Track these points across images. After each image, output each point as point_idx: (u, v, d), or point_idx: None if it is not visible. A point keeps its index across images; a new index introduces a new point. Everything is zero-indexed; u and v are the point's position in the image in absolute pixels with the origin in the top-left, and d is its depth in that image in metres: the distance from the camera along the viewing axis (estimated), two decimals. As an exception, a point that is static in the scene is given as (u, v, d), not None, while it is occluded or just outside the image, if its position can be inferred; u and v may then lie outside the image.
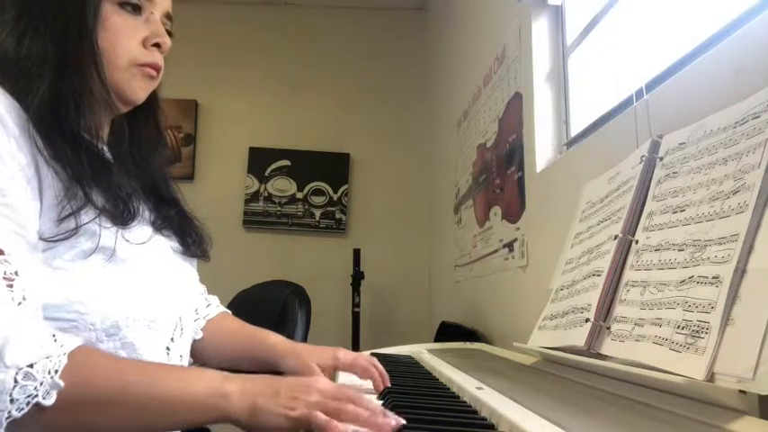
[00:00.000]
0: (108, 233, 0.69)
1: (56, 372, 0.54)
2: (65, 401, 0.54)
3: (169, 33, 0.83)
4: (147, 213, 0.80)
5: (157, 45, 0.79)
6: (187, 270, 0.86)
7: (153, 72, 0.79)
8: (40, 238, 0.65)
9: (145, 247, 0.74)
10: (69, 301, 0.66)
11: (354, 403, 0.59)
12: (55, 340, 0.57)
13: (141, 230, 0.75)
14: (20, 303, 0.58)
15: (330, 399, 0.59)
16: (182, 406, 0.59)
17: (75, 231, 0.66)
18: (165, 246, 0.81)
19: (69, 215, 0.66)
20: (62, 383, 0.54)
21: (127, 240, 0.71)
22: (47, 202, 0.65)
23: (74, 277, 0.67)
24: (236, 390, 0.60)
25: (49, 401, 0.53)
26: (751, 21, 0.81)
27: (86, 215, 0.67)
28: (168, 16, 0.83)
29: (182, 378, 0.61)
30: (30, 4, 0.74)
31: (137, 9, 0.78)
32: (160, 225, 0.81)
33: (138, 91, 0.79)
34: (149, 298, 0.74)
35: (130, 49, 0.77)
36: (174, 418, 0.59)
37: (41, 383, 0.53)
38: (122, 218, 0.71)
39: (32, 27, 0.72)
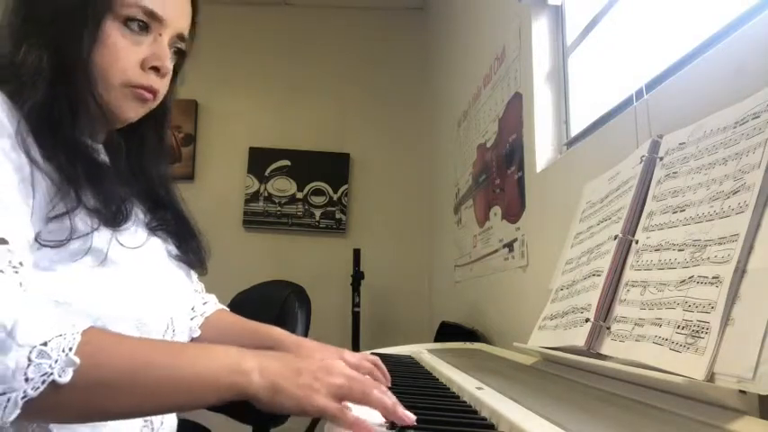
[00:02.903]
0: (100, 236, 0.68)
1: (70, 349, 0.53)
2: (80, 380, 0.53)
3: (182, 52, 0.81)
4: (141, 215, 0.79)
5: (155, 69, 0.76)
6: (180, 273, 0.85)
7: (146, 95, 0.76)
8: (35, 240, 0.64)
9: (137, 251, 0.73)
10: (56, 302, 0.65)
11: (377, 389, 0.59)
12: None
13: (135, 234, 0.74)
14: (26, 291, 0.58)
15: (355, 381, 0.59)
16: (198, 385, 0.58)
17: (67, 241, 0.66)
18: (160, 248, 0.80)
19: (63, 214, 0.65)
20: (78, 360, 0.53)
21: (120, 244, 0.71)
22: (38, 204, 0.65)
23: (60, 278, 0.66)
24: (255, 367, 0.58)
25: (65, 379, 0.52)
26: (751, 21, 0.81)
27: (80, 220, 0.67)
28: (181, 37, 0.80)
29: (198, 355, 0.60)
30: (33, 11, 0.73)
31: (144, 28, 0.75)
32: (155, 227, 0.80)
33: (129, 111, 0.77)
34: (136, 298, 0.73)
35: (126, 69, 0.74)
36: (190, 397, 0.58)
37: (56, 361, 0.52)
38: (114, 219, 0.70)
39: (32, 35, 0.72)
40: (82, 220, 0.67)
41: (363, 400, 0.58)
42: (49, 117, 0.68)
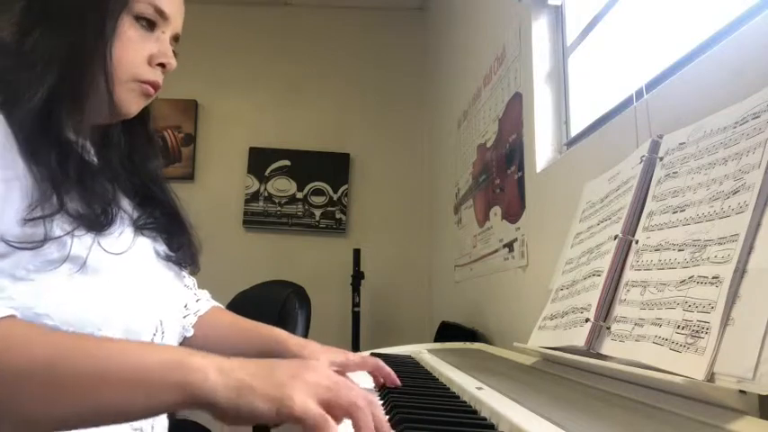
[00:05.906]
0: (80, 243, 0.65)
1: None
2: None
3: (174, 54, 0.82)
4: (129, 212, 0.77)
5: (162, 65, 0.78)
6: (170, 273, 0.82)
7: (151, 90, 0.78)
8: (2, 240, 0.60)
9: (122, 255, 0.70)
10: (36, 314, 0.61)
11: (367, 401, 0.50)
12: None
13: (119, 237, 0.71)
14: None
15: (341, 386, 0.50)
16: (135, 382, 0.47)
17: (41, 243, 0.61)
18: (148, 248, 0.77)
19: (38, 218, 0.62)
20: None
21: (104, 250, 0.67)
22: (14, 202, 0.61)
23: (39, 288, 0.62)
24: (209, 364, 0.48)
25: None
26: (751, 21, 0.81)
27: (58, 226, 0.63)
28: (176, 38, 0.81)
29: (132, 348, 0.50)
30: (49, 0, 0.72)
31: (151, 26, 0.76)
32: (143, 225, 0.78)
33: (132, 106, 0.77)
34: (121, 306, 0.69)
35: (136, 64, 0.75)
36: (122, 398, 0.47)
37: None
38: (98, 222, 0.68)
39: (44, 23, 0.71)
40: (59, 226, 0.64)
41: (349, 410, 0.48)
42: (44, 111, 0.67)
